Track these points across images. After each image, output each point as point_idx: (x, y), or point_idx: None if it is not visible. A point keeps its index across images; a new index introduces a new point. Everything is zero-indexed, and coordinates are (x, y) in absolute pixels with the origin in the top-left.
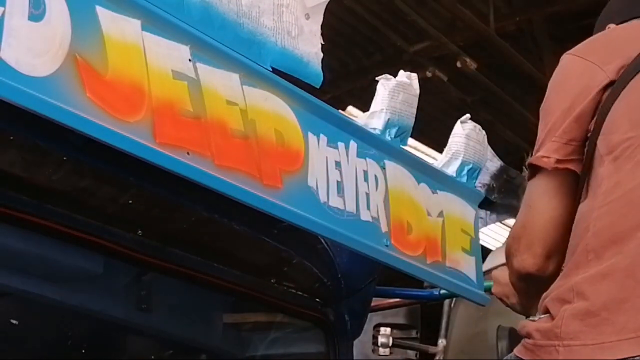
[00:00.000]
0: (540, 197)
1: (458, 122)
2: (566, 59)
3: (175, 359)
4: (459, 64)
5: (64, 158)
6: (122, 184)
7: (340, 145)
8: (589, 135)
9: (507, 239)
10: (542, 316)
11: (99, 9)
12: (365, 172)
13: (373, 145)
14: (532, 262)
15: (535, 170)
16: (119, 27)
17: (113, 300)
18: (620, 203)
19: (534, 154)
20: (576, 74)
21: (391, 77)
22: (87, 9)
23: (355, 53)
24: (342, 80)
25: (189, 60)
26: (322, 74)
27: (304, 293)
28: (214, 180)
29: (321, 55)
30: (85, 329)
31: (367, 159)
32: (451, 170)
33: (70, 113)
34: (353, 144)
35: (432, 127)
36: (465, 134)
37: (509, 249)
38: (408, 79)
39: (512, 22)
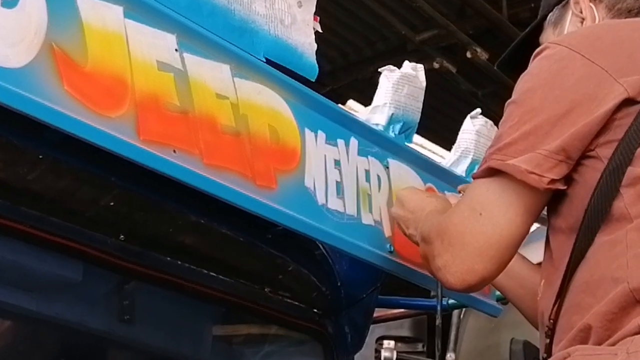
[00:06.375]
0: (502, 209)
1: (468, 117)
2: (562, 51)
3: None
4: (469, 54)
5: (40, 156)
6: (102, 185)
7: (340, 142)
8: (590, 153)
9: (429, 233)
10: None
11: None
12: (367, 172)
13: (375, 142)
14: (460, 278)
15: (494, 171)
16: (100, 14)
17: (93, 310)
18: None
19: (497, 151)
20: (577, 75)
21: (395, 68)
22: None
23: (356, 43)
24: (342, 72)
25: (176, 50)
26: (317, 66)
27: (301, 303)
28: (202, 181)
29: (315, 46)
30: (62, 342)
31: (369, 157)
32: (460, 170)
33: (47, 107)
34: (354, 141)
35: (439, 122)
36: (475, 130)
37: (430, 249)
38: (413, 71)
39: (526, 8)
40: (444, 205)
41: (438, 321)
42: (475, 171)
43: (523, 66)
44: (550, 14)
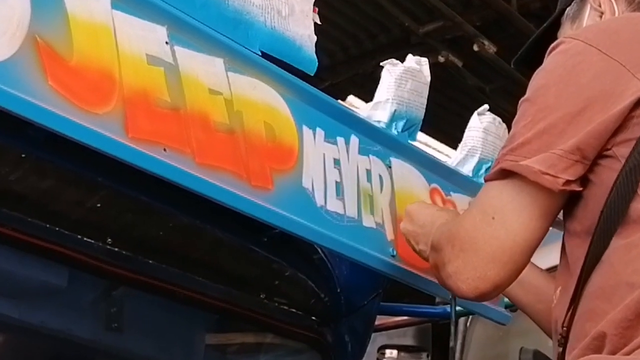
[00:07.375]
0: (515, 213)
1: (475, 113)
2: (578, 46)
3: None
4: (476, 47)
5: (23, 156)
6: (89, 185)
7: (340, 140)
8: (606, 152)
9: (439, 240)
10: None
11: None
12: (369, 172)
13: (377, 140)
14: (472, 285)
15: (507, 173)
16: (86, 5)
17: (79, 318)
18: None
19: (509, 151)
20: (594, 71)
21: (398, 62)
22: None
23: (357, 35)
24: (342, 66)
25: (166, 42)
26: (316, 59)
27: (298, 310)
28: (194, 181)
29: (314, 38)
30: (47, 351)
31: (370, 156)
32: (467, 169)
33: (30, 103)
34: (354, 139)
35: (445, 119)
36: (482, 127)
37: (441, 256)
38: (417, 65)
39: None
40: (454, 219)
41: (452, 343)
42: (487, 172)
43: (540, 63)
44: (568, 8)
